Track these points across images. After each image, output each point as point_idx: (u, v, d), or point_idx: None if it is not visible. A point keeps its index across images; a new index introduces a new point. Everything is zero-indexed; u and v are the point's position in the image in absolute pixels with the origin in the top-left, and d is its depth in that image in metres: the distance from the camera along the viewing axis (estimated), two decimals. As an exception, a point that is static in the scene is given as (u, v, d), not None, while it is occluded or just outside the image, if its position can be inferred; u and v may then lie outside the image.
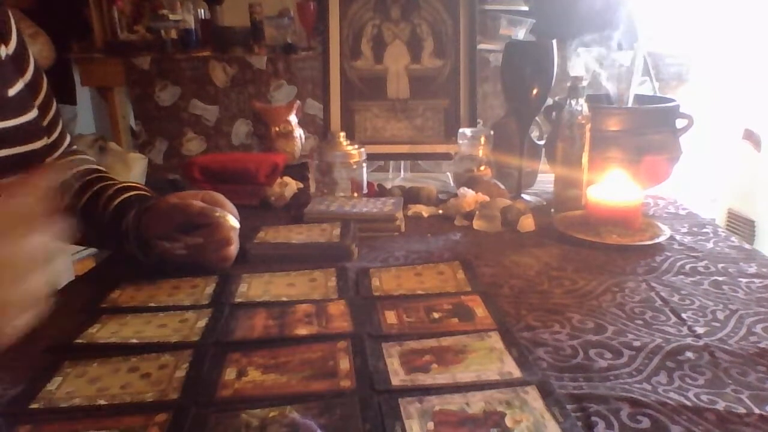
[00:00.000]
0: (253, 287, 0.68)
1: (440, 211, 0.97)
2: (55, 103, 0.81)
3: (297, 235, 0.82)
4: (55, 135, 0.81)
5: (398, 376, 0.50)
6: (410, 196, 1.01)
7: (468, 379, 0.49)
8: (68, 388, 0.50)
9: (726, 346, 0.56)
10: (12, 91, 0.69)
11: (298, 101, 1.27)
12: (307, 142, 1.31)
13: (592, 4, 1.61)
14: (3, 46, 0.71)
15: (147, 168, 2.58)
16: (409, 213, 0.96)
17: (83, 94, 2.93)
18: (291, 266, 0.74)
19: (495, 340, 0.56)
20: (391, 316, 0.60)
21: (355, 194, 1.00)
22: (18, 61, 0.73)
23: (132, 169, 2.47)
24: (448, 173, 1.21)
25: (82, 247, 2.07)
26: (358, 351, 0.54)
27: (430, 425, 0.44)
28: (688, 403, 0.47)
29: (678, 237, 0.85)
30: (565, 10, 2.13)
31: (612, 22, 1.02)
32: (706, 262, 0.76)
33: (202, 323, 0.60)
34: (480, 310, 0.62)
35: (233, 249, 0.73)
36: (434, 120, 1.19)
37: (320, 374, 0.50)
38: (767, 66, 2.17)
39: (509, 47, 0.99)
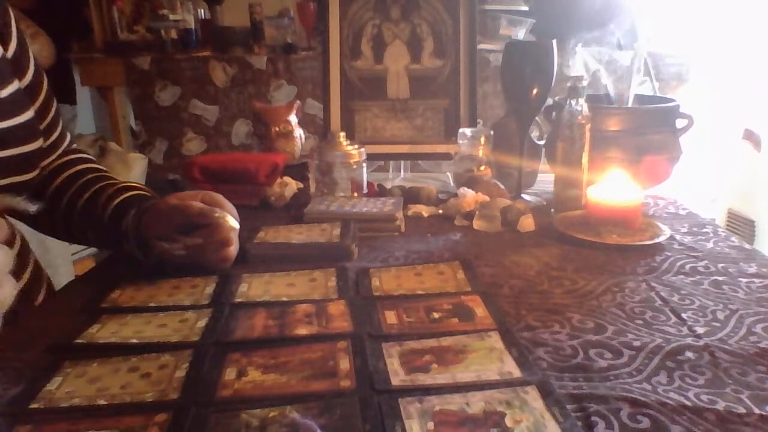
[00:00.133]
0: (253, 287, 0.68)
1: (440, 211, 0.97)
2: (55, 105, 0.81)
3: (297, 235, 0.82)
4: (54, 136, 0.81)
5: (398, 376, 0.50)
6: (410, 196, 1.01)
7: (468, 379, 0.49)
8: (68, 388, 0.50)
9: (726, 346, 0.56)
10: (4, 93, 0.69)
11: (298, 101, 1.27)
12: (307, 142, 1.31)
13: (592, 4, 1.61)
14: (1, 48, 0.71)
15: (147, 168, 2.58)
16: (409, 213, 0.96)
17: (83, 94, 2.93)
18: (291, 266, 0.74)
19: (495, 340, 0.56)
20: (391, 316, 0.60)
21: (355, 194, 1.00)
22: (17, 63, 0.73)
23: (132, 169, 2.47)
24: (448, 173, 1.21)
25: (82, 247, 2.08)
26: (358, 351, 0.54)
27: (430, 425, 0.44)
28: (688, 403, 0.47)
29: (678, 237, 0.85)
30: (565, 10, 2.13)
31: (612, 21, 1.02)
32: (706, 262, 0.76)
33: (202, 323, 0.60)
34: (480, 310, 0.62)
35: (233, 249, 0.73)
36: (434, 120, 1.19)
37: (320, 374, 0.50)
38: (767, 66, 2.17)
39: (509, 47, 0.99)
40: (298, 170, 1.12)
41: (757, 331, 0.58)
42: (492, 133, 1.06)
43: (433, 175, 1.29)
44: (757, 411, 0.46)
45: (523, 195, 1.03)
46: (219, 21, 2.82)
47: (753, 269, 0.73)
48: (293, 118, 1.22)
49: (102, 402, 0.47)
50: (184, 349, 0.55)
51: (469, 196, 0.94)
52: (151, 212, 0.71)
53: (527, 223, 0.89)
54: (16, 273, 0.60)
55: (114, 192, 0.76)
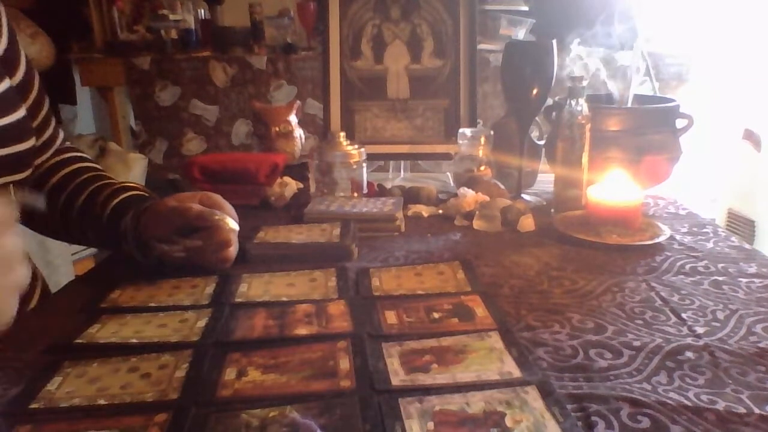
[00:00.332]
0: (253, 287, 0.68)
1: (440, 211, 0.97)
2: (47, 102, 0.80)
3: (297, 235, 0.82)
4: (47, 134, 0.80)
5: (398, 376, 0.50)
6: (410, 196, 1.01)
7: (468, 379, 0.49)
8: (68, 388, 0.50)
9: (726, 346, 0.56)
10: None
11: (298, 101, 1.27)
12: (307, 142, 1.31)
13: (591, 3, 1.61)
14: None
15: (147, 168, 2.58)
16: (409, 213, 0.96)
17: (83, 94, 2.93)
18: (291, 266, 0.74)
19: (495, 340, 0.56)
20: (391, 316, 0.60)
21: (355, 194, 1.00)
22: (7, 60, 0.72)
23: (132, 169, 2.47)
24: (448, 173, 1.21)
25: (82, 247, 2.08)
26: (358, 351, 0.54)
27: (430, 425, 0.44)
28: (688, 403, 0.47)
29: (678, 237, 0.85)
30: (564, 10, 2.13)
31: (611, 20, 1.02)
32: (706, 262, 0.76)
33: (202, 323, 0.60)
34: (480, 310, 0.62)
35: (232, 251, 0.73)
36: (434, 120, 1.19)
37: (320, 374, 0.50)
38: (767, 66, 2.17)
39: (509, 47, 0.99)
40: (298, 170, 1.12)
41: (757, 331, 0.58)
42: (492, 133, 1.06)
43: (433, 175, 1.29)
44: (757, 411, 0.46)
45: (523, 195, 1.03)
46: (219, 21, 2.82)
47: (753, 269, 0.73)
48: (293, 118, 1.22)
49: (102, 402, 0.47)
50: (184, 349, 0.55)
51: (469, 196, 0.94)
52: (149, 214, 0.71)
53: (527, 223, 0.89)
54: None
55: (112, 192, 0.76)
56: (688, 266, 0.75)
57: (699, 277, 0.72)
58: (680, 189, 1.11)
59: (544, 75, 0.95)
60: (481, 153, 1.05)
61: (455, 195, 0.97)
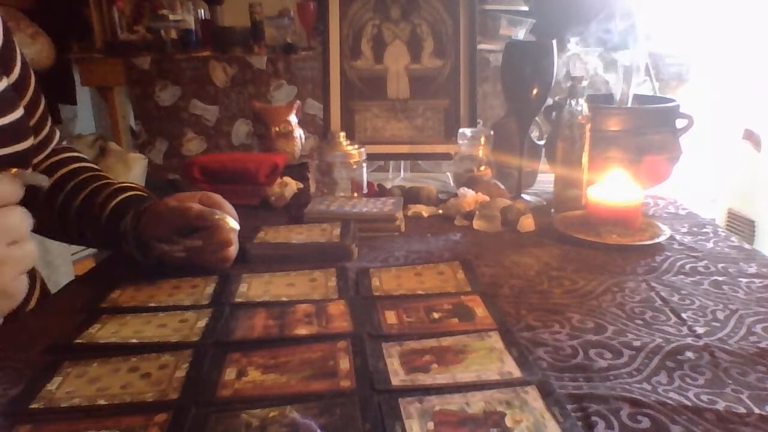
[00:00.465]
0: (253, 287, 0.68)
1: (440, 211, 0.97)
2: (43, 101, 0.80)
3: (297, 235, 0.82)
4: (43, 134, 0.80)
5: (398, 376, 0.50)
6: (410, 196, 1.01)
7: (468, 379, 0.49)
8: (68, 388, 0.50)
9: (726, 346, 0.56)
10: None
11: (298, 101, 1.27)
12: (307, 142, 1.31)
13: (591, 4, 1.61)
14: None
15: (147, 168, 2.58)
16: (409, 213, 0.96)
17: (83, 94, 2.93)
18: (291, 266, 0.74)
19: (495, 340, 0.56)
20: (391, 316, 0.60)
21: (355, 194, 1.00)
22: (3, 60, 0.72)
23: (132, 170, 2.48)
24: (448, 173, 1.21)
25: (82, 247, 2.08)
26: (358, 351, 0.54)
27: (430, 425, 0.44)
28: (688, 403, 0.47)
29: (678, 237, 0.85)
30: (564, 10, 2.13)
31: (610, 19, 1.02)
32: (706, 262, 0.76)
33: (202, 323, 0.60)
34: (480, 310, 0.62)
35: (233, 250, 0.73)
36: (434, 120, 1.19)
37: (320, 374, 0.50)
38: (767, 66, 2.17)
39: (509, 47, 0.99)
40: (298, 170, 1.12)
41: (757, 331, 0.58)
42: (492, 133, 1.06)
43: (433, 175, 1.29)
44: (757, 411, 0.46)
45: (523, 195, 1.03)
46: (219, 21, 2.83)
47: (753, 269, 0.73)
48: (293, 118, 1.22)
49: (102, 402, 0.47)
50: (184, 349, 0.55)
51: (469, 196, 0.94)
52: (149, 214, 0.71)
53: (527, 223, 0.89)
54: None
55: (111, 192, 0.76)
56: (688, 266, 0.75)
57: (699, 277, 0.72)
58: (680, 189, 1.11)
59: (544, 75, 0.95)
60: (481, 153, 1.05)
61: (455, 195, 0.97)
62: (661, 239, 0.82)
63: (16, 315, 0.58)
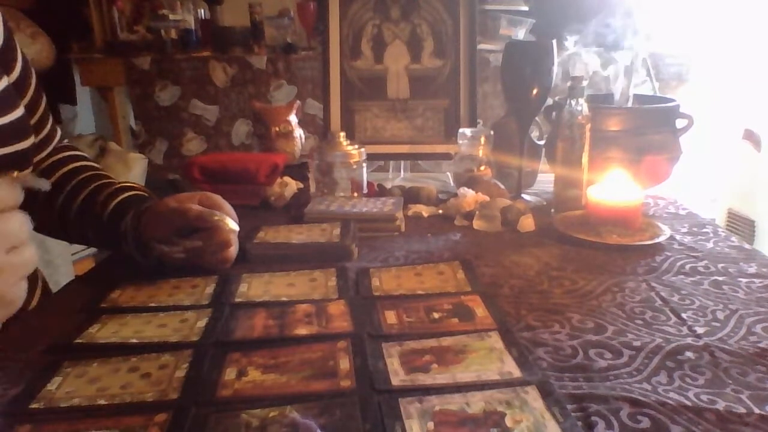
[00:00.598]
0: (253, 287, 0.68)
1: (440, 211, 0.97)
2: (44, 100, 0.80)
3: (297, 235, 0.82)
4: (45, 131, 0.80)
5: (398, 376, 0.50)
6: (410, 196, 1.01)
7: (468, 379, 0.49)
8: (68, 388, 0.50)
9: (726, 346, 0.56)
10: None
11: (298, 101, 1.27)
12: (307, 142, 1.31)
13: (591, 4, 1.61)
14: None
15: (147, 168, 2.58)
16: (409, 213, 0.96)
17: (83, 94, 2.93)
18: (291, 266, 0.74)
19: (495, 340, 0.56)
20: (391, 316, 0.60)
21: (355, 194, 1.00)
22: (3, 58, 0.72)
23: (132, 169, 2.48)
24: (448, 173, 1.21)
25: (82, 247, 2.08)
26: (358, 351, 0.54)
27: (430, 425, 0.44)
28: (688, 403, 0.47)
29: (678, 237, 0.85)
30: (564, 10, 2.13)
31: (610, 20, 1.02)
32: (706, 262, 0.76)
33: (202, 323, 0.60)
34: (480, 310, 0.62)
35: (232, 251, 0.73)
36: (434, 120, 1.19)
37: (320, 374, 0.50)
38: (767, 66, 2.17)
39: (509, 47, 0.99)
40: (298, 170, 1.12)
41: (757, 331, 0.58)
42: (492, 133, 1.06)
43: (433, 175, 1.29)
44: (757, 411, 0.46)
45: (523, 195, 1.03)
46: (219, 21, 2.82)
47: (753, 269, 0.73)
48: (293, 118, 1.22)
49: (102, 402, 0.47)
50: (184, 349, 0.55)
51: (469, 196, 0.94)
52: (149, 214, 0.71)
53: (527, 223, 0.89)
54: None
55: (112, 192, 0.75)
56: (688, 266, 0.75)
57: (699, 277, 0.72)
58: (680, 189, 1.11)
59: (544, 75, 0.95)
60: (481, 153, 1.05)
61: (455, 195, 0.97)
62: (661, 239, 0.82)
63: (17, 314, 0.58)
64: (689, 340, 0.57)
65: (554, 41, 0.95)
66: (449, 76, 1.18)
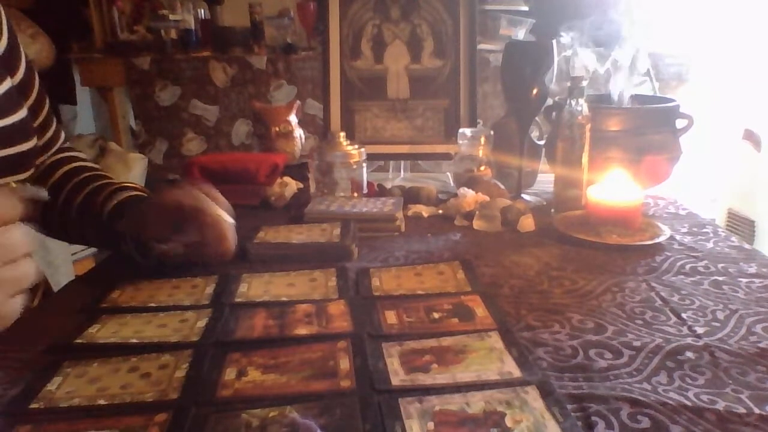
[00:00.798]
0: (253, 287, 0.68)
1: (440, 211, 0.97)
2: (48, 102, 0.80)
3: (297, 235, 0.82)
4: (49, 134, 0.80)
5: (398, 376, 0.50)
6: (410, 196, 1.01)
7: (468, 379, 0.49)
8: (68, 388, 0.50)
9: (726, 346, 0.56)
10: None
11: (298, 101, 1.27)
12: (307, 142, 1.31)
13: (591, 4, 1.61)
14: None
15: (147, 168, 2.58)
16: (409, 213, 0.96)
17: (83, 94, 2.93)
18: (291, 266, 0.74)
19: (495, 340, 0.56)
20: (391, 316, 0.60)
21: (355, 194, 1.00)
22: (8, 60, 0.72)
23: (132, 169, 2.48)
24: (448, 173, 1.21)
25: (82, 247, 2.08)
26: (358, 351, 0.54)
27: (430, 425, 0.44)
28: (688, 403, 0.47)
29: (678, 237, 0.85)
30: (564, 10, 2.13)
31: (609, 19, 1.02)
32: (706, 262, 0.76)
33: (202, 323, 0.60)
34: (480, 310, 0.62)
35: (231, 242, 0.71)
36: (434, 120, 1.19)
37: (320, 374, 0.50)
38: (767, 66, 2.17)
39: (509, 47, 0.99)
40: (298, 170, 1.12)
41: (757, 331, 0.58)
42: (492, 133, 1.06)
43: (433, 175, 1.29)
44: (757, 411, 0.46)
45: (523, 195, 1.03)
46: (219, 21, 2.82)
47: (753, 269, 0.73)
48: (293, 118, 1.22)
49: (102, 402, 0.47)
50: (184, 349, 0.55)
51: (469, 196, 0.94)
52: (144, 209, 0.70)
53: (527, 223, 0.89)
54: None
55: (112, 192, 0.75)
56: (688, 266, 0.75)
57: (699, 277, 0.72)
58: (680, 189, 1.11)
59: (544, 75, 0.95)
60: (481, 153, 1.05)
61: (455, 195, 0.97)
62: (661, 239, 0.82)
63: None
64: (689, 340, 0.57)
65: (554, 41, 0.95)
66: (449, 76, 1.18)
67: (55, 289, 0.81)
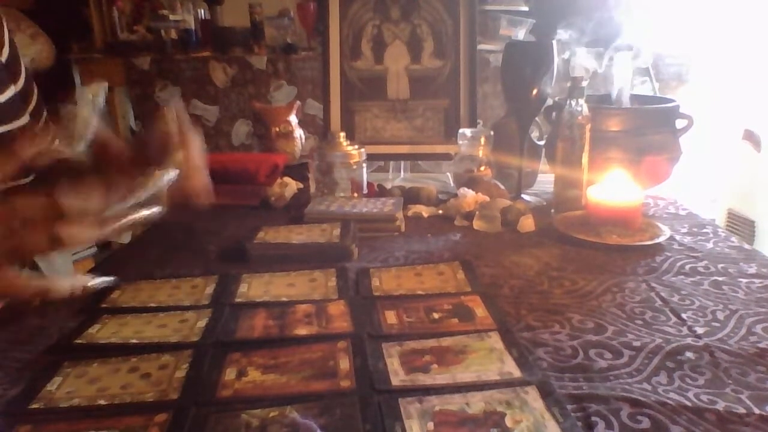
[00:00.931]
0: (253, 287, 0.68)
1: (440, 211, 0.97)
2: (44, 109, 0.81)
3: (297, 235, 0.82)
4: None
5: (398, 376, 0.50)
6: (410, 196, 1.01)
7: (468, 379, 0.49)
8: (68, 388, 0.50)
9: (726, 346, 0.56)
10: (2, 98, 0.69)
11: (298, 101, 1.27)
12: (307, 142, 1.31)
13: (590, 4, 1.61)
14: None
15: (147, 168, 2.58)
16: (409, 213, 0.96)
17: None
18: (291, 266, 0.74)
19: (495, 340, 0.56)
20: (391, 316, 0.60)
21: (355, 194, 1.00)
22: (10, 68, 0.73)
23: (132, 169, 2.47)
24: (448, 173, 1.21)
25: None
26: (358, 351, 0.54)
27: (430, 425, 0.44)
28: (688, 403, 0.47)
29: (678, 237, 0.85)
30: (564, 10, 2.13)
31: (608, 19, 1.02)
32: (706, 262, 0.76)
33: (202, 323, 0.60)
34: (480, 310, 0.62)
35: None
36: (434, 120, 1.19)
37: (320, 374, 0.50)
38: (767, 66, 2.17)
39: (509, 47, 0.99)
40: (298, 170, 1.12)
41: (757, 332, 0.58)
42: (492, 133, 1.06)
43: (433, 176, 1.29)
44: (757, 411, 0.46)
45: (523, 195, 1.03)
46: (219, 21, 2.82)
47: (753, 269, 0.73)
48: (293, 119, 1.22)
49: (102, 402, 0.48)
50: (184, 349, 0.55)
51: (469, 196, 0.94)
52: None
53: (527, 224, 0.89)
54: None
55: None
56: (688, 266, 0.75)
57: (699, 277, 0.72)
58: (680, 189, 1.11)
59: (544, 75, 0.95)
60: (481, 153, 1.05)
61: (455, 195, 0.97)
62: (661, 239, 0.82)
63: (18, 314, 0.58)
64: (689, 340, 0.57)
65: (554, 41, 0.95)
66: (449, 77, 1.18)
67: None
